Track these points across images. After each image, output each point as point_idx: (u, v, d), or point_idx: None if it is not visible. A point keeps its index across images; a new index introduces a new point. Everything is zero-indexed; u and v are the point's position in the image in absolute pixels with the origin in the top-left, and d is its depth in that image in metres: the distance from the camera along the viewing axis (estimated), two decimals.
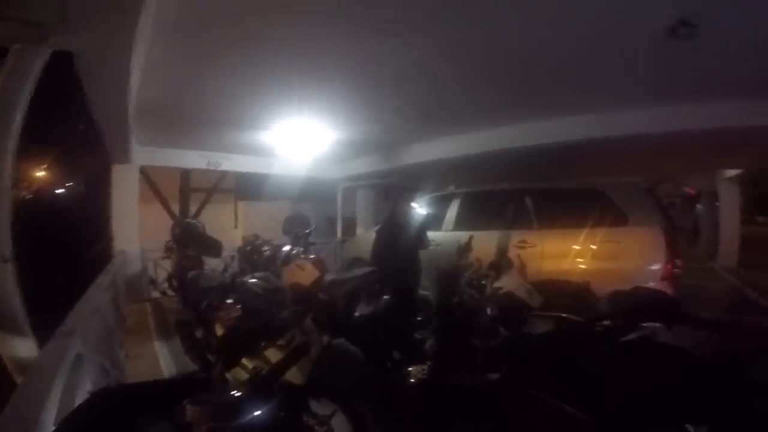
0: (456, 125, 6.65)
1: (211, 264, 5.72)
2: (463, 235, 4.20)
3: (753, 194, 16.91)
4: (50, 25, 2.85)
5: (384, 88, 4.80)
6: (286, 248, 7.28)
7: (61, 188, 18.60)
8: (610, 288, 2.71)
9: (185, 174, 11.31)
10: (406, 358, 3.12)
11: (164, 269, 7.51)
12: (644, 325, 2.20)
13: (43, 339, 2.14)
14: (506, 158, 6.89)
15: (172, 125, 6.50)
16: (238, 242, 8.52)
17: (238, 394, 1.29)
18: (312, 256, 6.55)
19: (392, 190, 9.44)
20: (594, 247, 4.38)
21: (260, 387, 1.35)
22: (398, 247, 4.39)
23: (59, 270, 9.73)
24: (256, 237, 7.70)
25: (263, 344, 1.84)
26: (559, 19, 3.30)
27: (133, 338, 5.07)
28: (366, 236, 6.74)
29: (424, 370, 2.54)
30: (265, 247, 7.34)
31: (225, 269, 4.89)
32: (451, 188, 6.36)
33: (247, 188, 12.96)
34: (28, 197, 16.19)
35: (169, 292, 6.87)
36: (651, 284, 3.86)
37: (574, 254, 4.46)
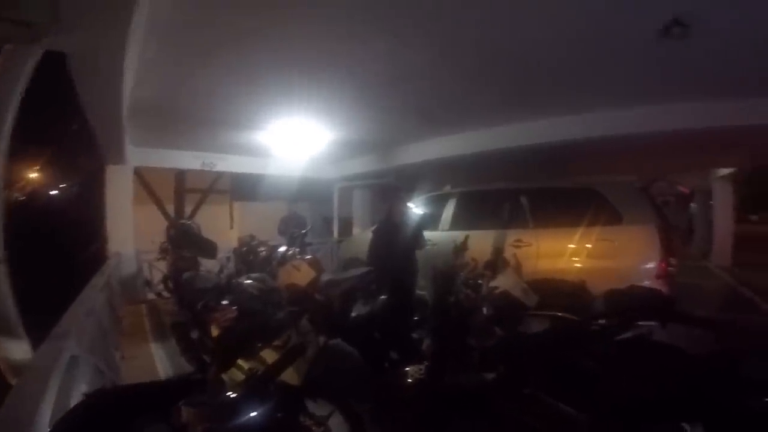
0: (452, 125, 6.66)
1: (207, 265, 5.69)
2: (459, 235, 4.21)
3: (746, 193, 17.06)
4: (42, 25, 2.82)
5: (380, 88, 4.80)
6: (282, 249, 7.25)
7: (55, 189, 18.48)
8: (605, 287, 2.72)
9: (180, 175, 11.26)
10: (403, 358, 3.12)
11: (159, 270, 7.47)
12: (639, 323, 2.21)
13: (38, 341, 2.13)
14: (502, 158, 6.90)
15: (166, 126, 6.47)
16: (234, 243, 8.47)
17: (234, 395, 1.28)
18: (308, 257, 6.53)
19: (388, 190, 9.46)
20: (589, 245, 4.40)
21: (256, 388, 1.34)
22: (395, 247, 4.39)
23: (53, 272, 9.67)
24: (252, 238, 7.66)
25: (259, 345, 1.84)
26: (554, 19, 3.31)
27: (128, 340, 5.05)
28: (362, 236, 6.74)
29: (420, 370, 2.54)
30: (261, 248, 7.30)
31: (221, 270, 4.86)
32: (447, 188, 6.37)
33: (243, 189, 12.92)
34: (20, 198, 16.06)
35: (165, 294, 6.84)
36: (646, 283, 3.89)
37: (569, 253, 4.49)
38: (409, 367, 2.59)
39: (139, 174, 9.46)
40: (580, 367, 1.88)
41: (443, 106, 5.69)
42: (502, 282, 3.08)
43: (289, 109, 5.60)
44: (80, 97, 4.12)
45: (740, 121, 5.05)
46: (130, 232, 7.80)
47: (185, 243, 5.67)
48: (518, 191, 5.06)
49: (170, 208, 11.49)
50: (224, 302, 3.32)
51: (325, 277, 4.16)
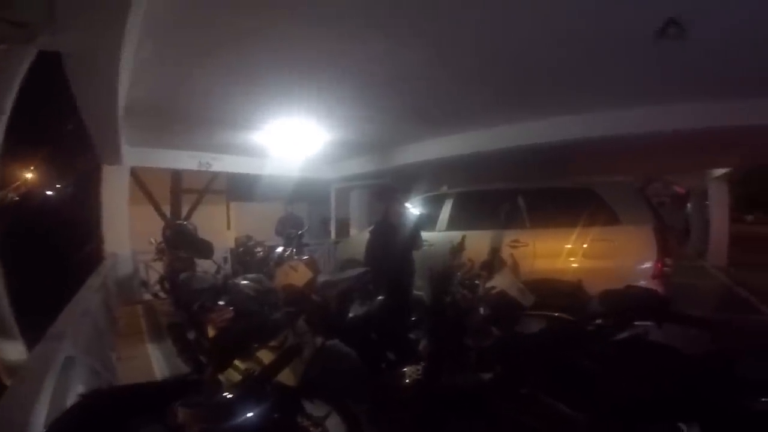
0: (449, 125, 6.67)
1: (204, 266, 5.68)
2: (456, 235, 4.21)
3: (741, 193, 17.16)
4: (37, 25, 2.81)
5: (377, 89, 4.80)
6: (279, 249, 7.25)
7: (50, 190, 18.40)
8: (601, 287, 2.72)
9: (176, 175, 11.23)
10: (400, 358, 3.12)
11: (156, 271, 7.45)
12: (635, 323, 2.22)
13: (33, 342, 2.12)
14: (499, 158, 6.92)
15: (162, 126, 6.44)
16: (231, 243, 8.48)
17: (230, 395, 1.28)
18: (305, 257, 6.53)
19: (385, 191, 9.39)
20: (585, 246, 4.41)
21: (252, 388, 1.34)
22: (392, 247, 4.39)
23: (49, 272, 9.63)
24: (249, 238, 7.66)
25: (255, 346, 1.83)
26: (552, 20, 3.31)
27: (125, 341, 5.03)
28: (359, 237, 6.74)
29: (417, 370, 2.54)
30: (258, 249, 7.31)
31: (217, 271, 4.85)
32: (444, 188, 6.37)
33: (240, 189, 12.89)
34: (15, 199, 15.99)
35: (161, 294, 6.82)
36: (642, 283, 3.90)
37: (566, 253, 4.49)
38: (406, 368, 2.59)
39: (136, 174, 9.43)
40: (577, 367, 1.88)
41: (440, 107, 5.69)
42: (499, 282, 3.08)
43: (286, 109, 5.60)
44: (76, 97, 4.10)
45: (737, 121, 5.08)
46: (126, 232, 7.78)
47: (181, 243, 5.66)
48: (515, 191, 5.07)
49: (167, 209, 11.45)
50: (221, 303, 3.31)
51: (322, 278, 4.15)
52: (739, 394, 1.51)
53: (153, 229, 7.17)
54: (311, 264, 5.09)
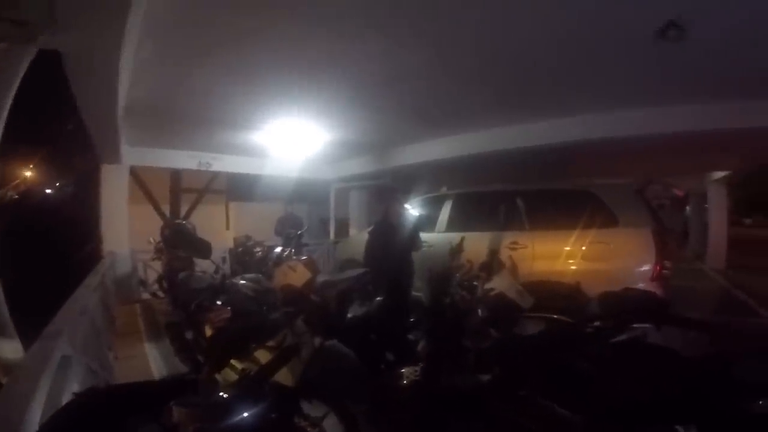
0: (448, 126, 6.67)
1: (202, 265, 5.68)
2: (455, 237, 4.21)
3: (741, 196, 17.19)
4: (38, 25, 2.81)
5: (376, 89, 4.80)
6: (278, 249, 7.24)
7: (49, 188, 18.39)
8: (600, 289, 2.71)
9: (176, 174, 11.23)
10: (399, 359, 3.11)
11: (154, 270, 7.44)
12: (634, 326, 2.21)
13: (31, 340, 2.11)
14: (498, 160, 6.92)
15: (162, 125, 6.44)
16: (230, 243, 8.46)
17: (226, 395, 1.27)
18: (304, 258, 6.52)
19: (385, 192, 9.45)
20: (584, 248, 4.40)
21: (249, 388, 1.34)
22: (391, 248, 4.39)
23: (47, 271, 9.62)
24: (248, 238, 7.65)
25: (253, 345, 1.83)
26: (551, 21, 3.32)
27: (122, 340, 5.02)
28: (359, 237, 6.73)
29: (416, 371, 2.53)
30: (257, 249, 7.29)
31: (216, 270, 4.85)
32: (444, 190, 6.37)
33: (239, 189, 12.88)
34: (14, 197, 15.98)
35: (160, 294, 6.81)
36: (641, 285, 3.89)
37: (564, 255, 4.49)
38: (404, 369, 2.59)
39: (135, 173, 9.43)
40: (575, 369, 1.88)
41: (440, 107, 5.69)
42: (498, 284, 3.09)
43: (285, 110, 5.60)
44: (76, 96, 4.10)
45: (737, 123, 5.08)
46: (125, 231, 7.78)
47: (180, 243, 5.65)
48: (514, 193, 5.06)
49: (166, 208, 11.44)
50: (218, 303, 3.31)
51: (321, 278, 4.15)
52: (737, 396, 1.51)
53: (152, 228, 7.15)
54: (310, 264, 5.09)
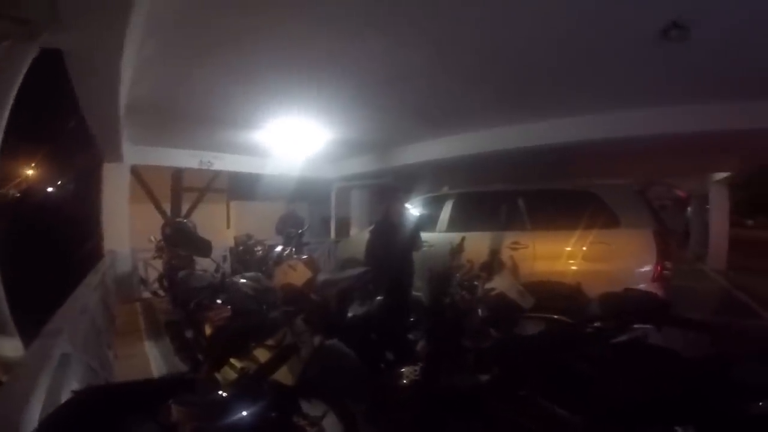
0: (449, 125, 6.66)
1: (203, 264, 5.68)
2: (456, 237, 4.21)
3: (742, 197, 17.16)
4: (40, 23, 2.81)
5: (377, 87, 4.79)
6: (279, 248, 7.25)
7: (51, 187, 18.43)
8: (601, 289, 2.71)
9: (177, 173, 11.24)
10: (399, 358, 3.11)
11: (155, 269, 7.45)
12: (635, 326, 2.21)
13: (31, 339, 2.11)
14: (499, 159, 6.91)
15: (163, 124, 6.44)
16: (231, 242, 8.47)
17: (224, 394, 1.27)
18: (304, 257, 6.53)
19: (386, 191, 9.45)
20: (585, 248, 4.40)
21: (248, 387, 1.34)
22: (392, 247, 4.39)
23: (47, 269, 9.63)
24: (249, 237, 7.67)
25: (252, 344, 1.83)
26: (553, 20, 3.31)
27: (123, 338, 5.02)
28: (360, 237, 6.73)
29: (415, 371, 2.54)
30: (258, 247, 7.31)
31: (217, 269, 4.85)
32: (445, 189, 6.37)
33: (240, 188, 12.89)
34: (15, 195, 16.01)
35: (160, 292, 6.82)
36: (642, 286, 3.89)
37: (565, 256, 4.48)
38: (404, 368, 2.59)
39: (136, 172, 9.43)
40: (575, 370, 1.88)
41: (441, 106, 5.69)
42: (498, 284, 3.09)
43: (286, 109, 5.59)
44: (77, 94, 4.10)
45: (738, 124, 5.06)
46: (126, 230, 7.78)
47: (180, 241, 5.66)
48: (516, 193, 5.06)
49: (167, 207, 11.45)
50: (218, 301, 3.32)
51: (322, 277, 4.15)
52: (738, 397, 1.51)
53: (153, 227, 7.16)
54: (310, 263, 5.10)
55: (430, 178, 8.18)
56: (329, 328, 3.00)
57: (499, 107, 5.68)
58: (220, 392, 1.28)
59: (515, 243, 4.74)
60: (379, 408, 2.32)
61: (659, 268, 4.12)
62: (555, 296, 3.47)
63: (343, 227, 11.39)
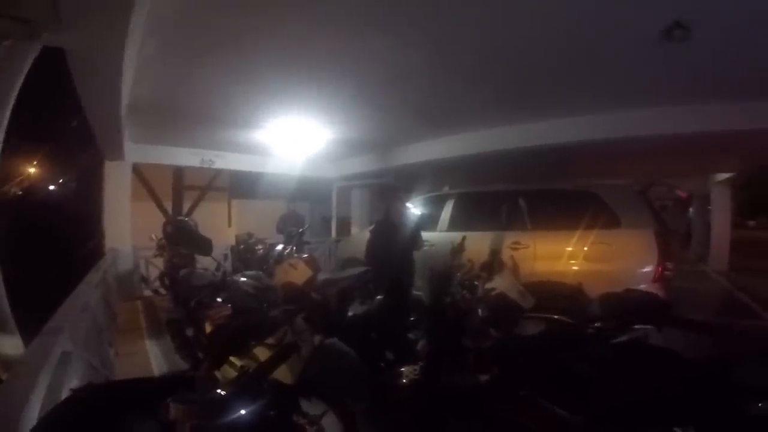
0: (450, 125, 6.66)
1: (204, 262, 5.69)
2: (457, 236, 4.21)
3: (744, 197, 17.13)
4: (42, 22, 2.82)
5: (378, 87, 4.79)
6: (280, 247, 7.25)
7: (52, 185, 18.45)
8: (602, 290, 2.71)
9: (178, 171, 11.26)
10: (399, 358, 3.11)
11: (156, 267, 7.46)
12: (635, 327, 2.21)
13: (32, 337, 2.11)
14: (500, 159, 6.91)
15: (165, 123, 6.46)
16: (232, 241, 8.48)
17: (224, 392, 1.27)
18: (305, 255, 6.53)
19: (387, 190, 9.45)
20: (586, 248, 4.39)
21: (247, 385, 1.34)
22: (392, 247, 4.39)
23: (49, 267, 9.65)
24: (250, 235, 7.67)
25: (252, 343, 1.83)
26: (553, 20, 3.30)
27: (124, 336, 5.04)
28: (360, 236, 6.73)
29: (415, 370, 2.53)
30: (259, 246, 7.31)
31: (218, 268, 4.85)
32: (446, 189, 6.36)
33: (242, 186, 12.92)
34: (17, 193, 16.04)
35: (161, 291, 6.83)
36: (642, 286, 3.89)
37: (566, 256, 4.48)
38: (404, 368, 2.59)
39: (138, 170, 9.45)
40: (575, 370, 1.88)
41: (441, 106, 5.69)
42: (499, 284, 3.08)
43: (287, 108, 5.60)
44: (79, 93, 4.11)
45: (739, 124, 5.05)
46: (128, 228, 7.80)
47: (181, 240, 5.66)
48: (516, 193, 5.05)
49: (168, 205, 11.47)
50: (219, 300, 3.32)
51: (322, 276, 4.15)
52: (739, 398, 1.50)
53: (154, 225, 7.17)
54: (311, 262, 5.10)
55: (430, 177, 8.18)
56: (329, 327, 3.00)
57: (499, 107, 5.68)
58: (220, 390, 1.28)
59: (516, 243, 4.73)
60: (379, 407, 2.32)
61: (660, 268, 4.11)
62: (555, 296, 3.46)
63: (344, 226, 11.40)
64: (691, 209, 14.88)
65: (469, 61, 4.17)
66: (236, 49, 3.80)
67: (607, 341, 2.10)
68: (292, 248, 7.12)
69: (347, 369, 2.16)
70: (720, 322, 5.39)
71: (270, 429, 1.38)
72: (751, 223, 25.75)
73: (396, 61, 4.11)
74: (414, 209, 5.78)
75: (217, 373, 1.77)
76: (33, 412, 1.28)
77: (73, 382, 1.88)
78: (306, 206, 12.37)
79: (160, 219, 9.06)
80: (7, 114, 3.17)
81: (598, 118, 5.62)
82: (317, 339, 2.84)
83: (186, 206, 11.65)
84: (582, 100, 5.24)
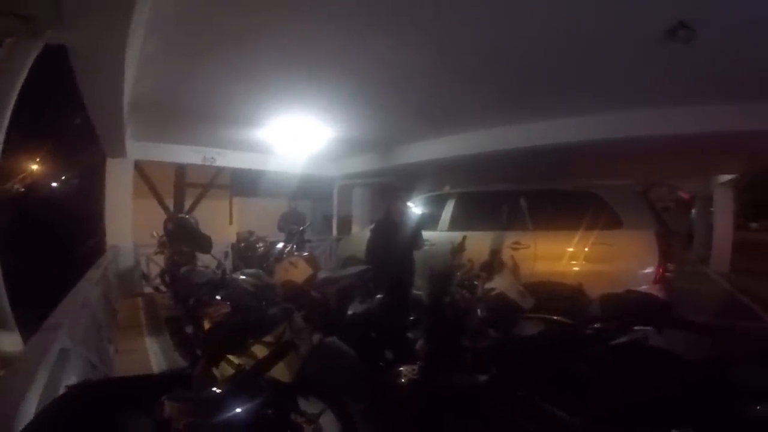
0: (451, 125, 6.66)
1: (205, 260, 5.69)
2: (457, 236, 4.20)
3: (747, 199, 17.08)
4: (44, 19, 2.83)
5: (379, 86, 4.79)
6: (280, 245, 7.25)
7: (54, 182, 18.49)
8: (602, 291, 2.70)
9: (180, 169, 11.27)
10: (398, 357, 3.11)
11: (157, 264, 7.47)
12: (635, 328, 2.20)
13: (33, 334, 2.12)
14: (502, 159, 6.90)
15: (167, 120, 6.47)
16: (233, 238, 8.48)
17: (219, 390, 1.27)
18: (305, 254, 6.52)
19: (388, 189, 9.46)
20: (587, 249, 4.38)
21: (243, 383, 1.33)
22: (393, 246, 4.39)
23: (50, 264, 9.68)
24: (250, 233, 7.66)
25: (250, 341, 1.82)
26: (555, 21, 3.30)
27: (124, 333, 5.04)
28: (361, 234, 6.73)
29: (414, 370, 2.53)
30: (259, 244, 7.30)
31: (218, 265, 4.86)
32: (447, 188, 6.35)
33: (243, 184, 12.93)
34: (19, 190, 16.09)
35: (162, 288, 6.84)
36: (643, 287, 3.87)
37: (567, 256, 4.47)
38: (403, 367, 2.58)
39: (140, 168, 9.46)
40: (575, 371, 1.87)
41: (443, 106, 5.68)
42: (499, 284, 3.07)
43: (289, 106, 5.60)
44: (81, 90, 4.11)
45: (741, 125, 5.03)
46: (129, 225, 7.81)
47: (182, 237, 5.67)
48: (517, 193, 5.04)
49: (170, 203, 11.48)
50: (218, 297, 3.32)
51: (322, 275, 4.14)
52: (739, 400, 1.50)
53: (156, 222, 7.19)
54: (311, 260, 5.08)
55: (431, 177, 8.17)
56: (329, 326, 2.99)
57: (500, 107, 5.67)
58: (215, 388, 1.28)
59: (516, 243, 4.72)
60: (378, 406, 2.32)
61: (661, 269, 4.10)
62: (556, 297, 3.45)
63: (345, 225, 11.41)
64: (693, 210, 14.85)
65: (470, 61, 4.16)
66: (238, 47, 3.80)
67: (606, 342, 2.10)
68: (292, 246, 7.11)
69: (346, 368, 2.15)
70: (721, 324, 5.37)
71: (267, 427, 1.38)
72: (754, 225, 25.67)
73: (397, 61, 4.10)
74: (415, 208, 5.77)
75: (215, 371, 1.76)
76: (30, 409, 1.27)
77: (71, 378, 1.89)
78: (307, 204, 12.37)
79: (162, 216, 9.08)
80: (9, 111, 3.17)
81: (599, 119, 5.61)
82: (316, 337, 2.84)
83: (187, 204, 11.66)
84: (583, 100, 5.22)
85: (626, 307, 2.42)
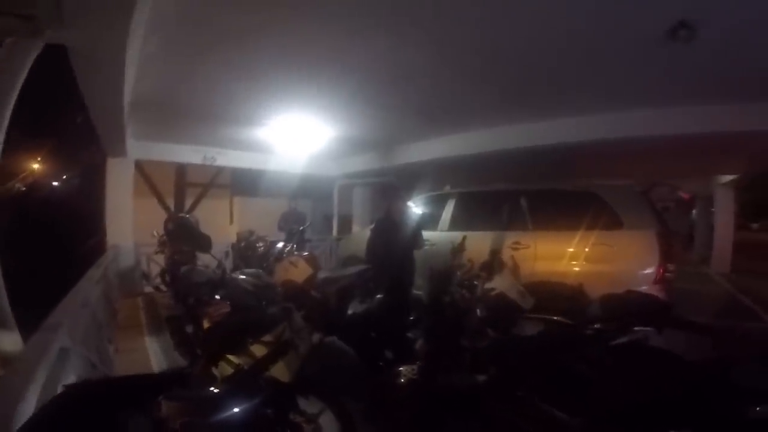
0: (451, 125, 6.66)
1: (206, 260, 5.69)
2: (458, 236, 4.19)
3: (748, 200, 17.06)
4: (45, 19, 2.83)
5: (380, 86, 4.79)
6: (280, 245, 7.25)
7: (55, 181, 18.49)
8: (603, 291, 2.69)
9: (181, 168, 11.27)
10: (398, 357, 3.11)
11: (157, 264, 7.47)
12: (636, 328, 2.19)
13: (32, 333, 2.11)
14: (502, 159, 6.90)
15: (167, 120, 6.47)
16: (233, 238, 8.48)
17: (217, 389, 1.27)
18: (305, 253, 6.52)
19: (389, 189, 9.46)
20: (587, 249, 4.37)
21: (242, 383, 1.33)
22: (393, 245, 4.39)
23: (51, 263, 9.68)
24: (251, 233, 7.66)
25: (249, 340, 1.82)
26: (556, 20, 3.30)
27: (124, 333, 5.04)
28: (361, 234, 6.72)
29: (414, 369, 2.53)
30: (260, 244, 7.30)
31: (219, 265, 4.86)
32: (447, 188, 6.35)
33: (244, 184, 12.93)
34: (20, 189, 16.09)
35: (162, 287, 6.84)
36: (643, 288, 3.86)
37: (567, 256, 4.46)
38: (402, 367, 2.58)
39: (140, 167, 9.46)
40: (575, 371, 1.87)
41: (443, 106, 5.68)
42: (499, 284, 3.07)
43: (289, 106, 5.60)
44: (82, 90, 4.12)
45: (741, 126, 5.03)
46: (130, 224, 7.82)
47: (182, 236, 5.67)
48: (518, 193, 5.03)
49: (170, 202, 11.49)
50: (217, 297, 3.32)
51: (322, 274, 4.14)
52: (739, 401, 1.49)
53: (156, 221, 7.19)
54: (311, 260, 5.07)
55: (432, 176, 8.17)
56: (329, 326, 2.99)
57: (501, 107, 5.67)
58: (213, 388, 1.28)
59: (517, 243, 4.71)
60: (378, 406, 2.32)
61: (662, 270, 4.09)
62: (556, 297, 3.45)
63: (345, 225, 11.41)
64: (694, 211, 14.84)
65: (471, 61, 4.16)
66: (238, 46, 3.80)
67: (607, 343, 2.09)
68: (293, 246, 7.11)
69: (346, 368, 2.16)
70: (721, 325, 5.37)
71: (266, 426, 1.38)
72: (755, 225, 25.66)
73: (398, 61, 4.10)
74: (415, 208, 5.76)
75: (215, 370, 1.76)
76: (29, 409, 1.27)
77: (70, 378, 1.88)
78: (308, 204, 12.37)
79: (162, 216, 9.08)
80: (9, 111, 3.18)
81: (600, 118, 5.61)
82: (316, 337, 2.84)
83: (188, 203, 11.67)
84: (583, 100, 5.22)
85: (626, 308, 2.42)
